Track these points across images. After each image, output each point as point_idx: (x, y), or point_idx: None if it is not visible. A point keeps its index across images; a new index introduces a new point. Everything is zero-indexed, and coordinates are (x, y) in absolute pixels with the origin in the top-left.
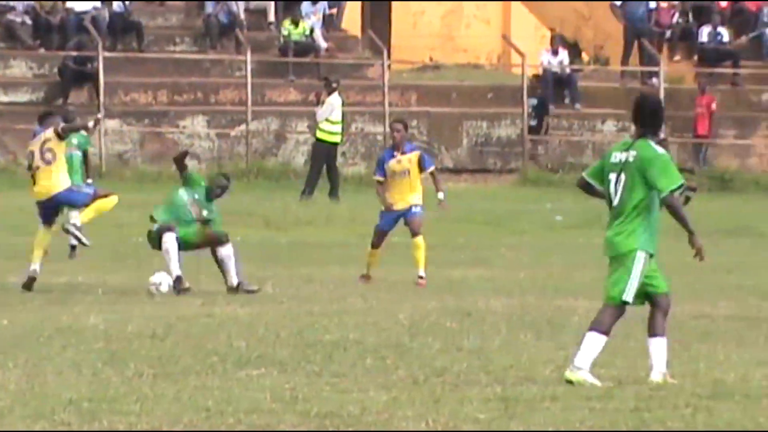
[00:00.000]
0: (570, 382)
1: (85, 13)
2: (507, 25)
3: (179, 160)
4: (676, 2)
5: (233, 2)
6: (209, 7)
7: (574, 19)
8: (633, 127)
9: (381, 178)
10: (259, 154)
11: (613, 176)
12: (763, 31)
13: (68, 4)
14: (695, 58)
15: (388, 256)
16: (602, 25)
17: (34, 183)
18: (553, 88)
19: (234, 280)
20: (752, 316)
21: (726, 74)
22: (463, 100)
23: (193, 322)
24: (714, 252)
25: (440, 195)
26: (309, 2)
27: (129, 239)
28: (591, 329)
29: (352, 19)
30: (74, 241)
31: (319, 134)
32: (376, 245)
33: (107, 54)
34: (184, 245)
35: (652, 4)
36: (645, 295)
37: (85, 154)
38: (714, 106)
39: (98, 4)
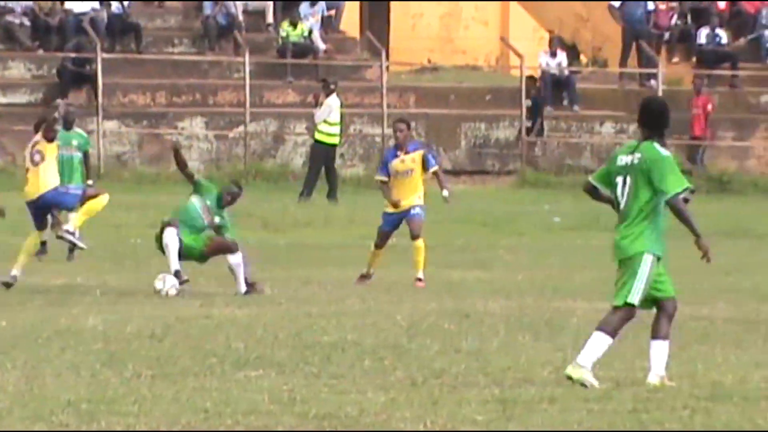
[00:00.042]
0: (570, 378)
1: (83, 14)
2: (505, 27)
3: (176, 157)
4: (675, 4)
5: (232, 4)
6: (208, 9)
7: (573, 20)
8: (630, 129)
9: (384, 179)
10: (258, 155)
11: (619, 179)
12: (761, 32)
13: (67, 6)
14: (694, 59)
15: (386, 257)
16: (601, 26)
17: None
18: (551, 90)
19: (242, 289)
20: (751, 318)
21: (724, 76)
22: (462, 101)
23: (192, 324)
24: (712, 254)
25: (445, 193)
26: (307, 4)
27: (127, 240)
28: (598, 329)
29: (350, 20)
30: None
31: (318, 136)
32: (379, 246)
33: (106, 55)
34: (193, 255)
35: (651, 6)
36: (653, 300)
37: (85, 156)
38: (710, 107)
39: (97, 5)
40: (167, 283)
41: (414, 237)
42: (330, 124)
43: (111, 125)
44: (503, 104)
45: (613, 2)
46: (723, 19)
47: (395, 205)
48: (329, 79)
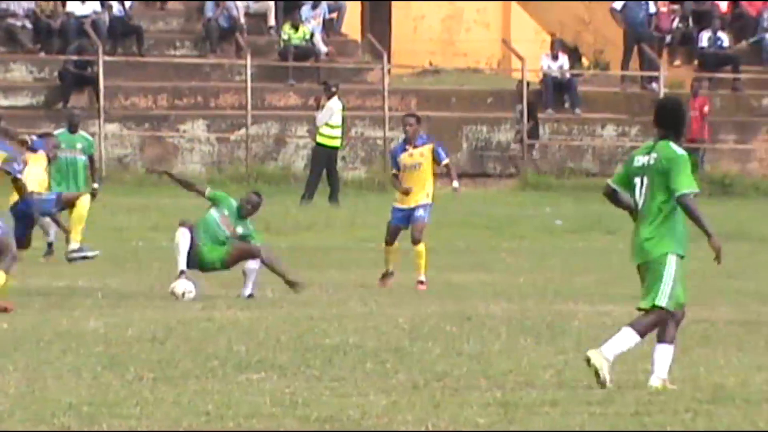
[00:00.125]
0: (588, 361)
1: (85, 17)
2: (507, 30)
3: (175, 181)
4: (676, 7)
5: (233, 6)
6: (209, 11)
7: (574, 23)
8: (632, 131)
9: (396, 171)
10: (259, 158)
11: (637, 180)
12: (763, 35)
13: (68, 8)
14: (695, 62)
15: None
16: (602, 29)
17: None
18: (552, 93)
19: (247, 292)
20: (752, 320)
21: (726, 79)
22: (463, 104)
23: (193, 326)
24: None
25: (455, 184)
26: (309, 6)
27: (129, 243)
28: (628, 325)
29: (352, 23)
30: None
31: (319, 138)
32: (389, 242)
33: (107, 58)
34: (216, 266)
35: (652, 9)
36: None
37: (91, 159)
38: (707, 109)
39: (98, 7)
40: (179, 288)
41: (415, 242)
42: (331, 126)
43: (112, 128)
44: (505, 107)
45: (614, 5)
46: (725, 22)
47: (406, 192)
48: (330, 82)
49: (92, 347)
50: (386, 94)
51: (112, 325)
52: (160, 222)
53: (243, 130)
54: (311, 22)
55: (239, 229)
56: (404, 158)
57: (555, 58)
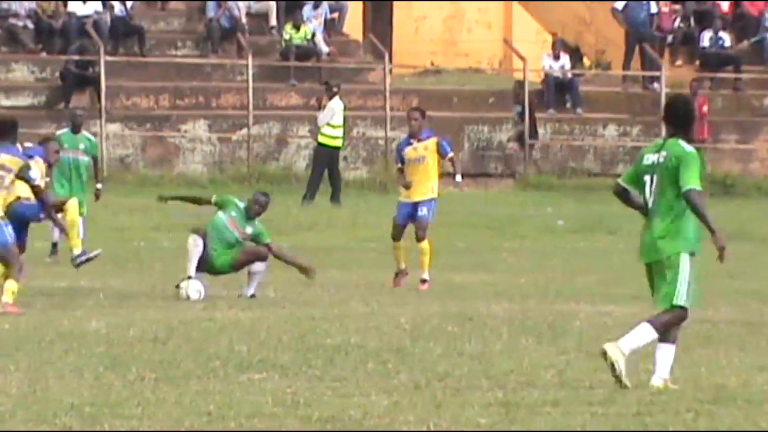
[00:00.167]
0: (604, 354)
1: (86, 17)
2: (508, 30)
3: (181, 200)
4: (678, 6)
5: (235, 6)
6: (211, 11)
7: (576, 23)
8: (634, 131)
9: (400, 165)
10: (261, 158)
11: (647, 178)
12: (764, 35)
13: (70, 8)
14: (697, 62)
15: (388, 260)
16: (604, 29)
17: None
18: (554, 93)
19: (249, 292)
20: (754, 320)
21: (727, 79)
22: (465, 104)
23: (195, 326)
24: (714, 257)
25: (458, 177)
26: (310, 6)
27: (130, 243)
28: (647, 320)
29: (353, 23)
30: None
31: (321, 138)
32: (395, 238)
33: (109, 58)
34: (224, 270)
35: (654, 9)
36: None
37: (94, 160)
38: (706, 109)
39: (100, 7)
40: (190, 289)
41: (419, 239)
42: (333, 126)
43: (114, 128)
44: (506, 107)
45: (616, 5)
46: (726, 22)
47: (407, 186)
48: (332, 82)
49: (94, 347)
50: (388, 94)
51: (114, 325)
52: (162, 222)
53: (244, 130)
54: (313, 22)
55: (248, 230)
56: (409, 152)
57: (556, 58)
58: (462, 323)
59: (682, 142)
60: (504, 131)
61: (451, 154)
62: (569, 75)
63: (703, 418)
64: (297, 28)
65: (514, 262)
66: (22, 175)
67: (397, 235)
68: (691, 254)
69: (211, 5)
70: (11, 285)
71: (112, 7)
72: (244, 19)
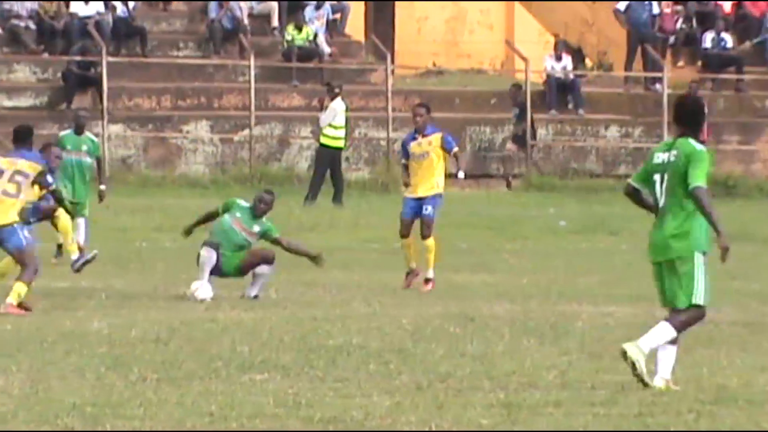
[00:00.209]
0: (624, 354)
1: (88, 17)
2: (510, 31)
3: (195, 227)
4: (680, 8)
5: (237, 7)
6: (213, 12)
7: (578, 24)
8: (636, 132)
9: (405, 160)
10: (263, 159)
11: (657, 177)
12: (766, 36)
13: (72, 9)
14: (699, 63)
15: (390, 260)
16: (606, 30)
17: None
18: (556, 94)
19: (253, 293)
20: (756, 321)
21: (730, 80)
22: (467, 105)
23: (197, 327)
24: (717, 257)
25: (460, 174)
26: (312, 7)
27: (132, 244)
28: (665, 319)
29: (355, 24)
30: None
31: (323, 139)
32: (403, 235)
33: (111, 59)
34: (231, 273)
35: (656, 10)
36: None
37: (98, 161)
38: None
39: (102, 8)
40: (200, 291)
41: (424, 237)
42: (335, 127)
43: (116, 129)
44: (508, 108)
45: (618, 6)
46: (728, 23)
47: (405, 185)
48: (333, 83)
49: (96, 348)
50: (390, 95)
51: (116, 325)
52: (164, 223)
53: (246, 131)
54: (315, 22)
55: (256, 228)
56: (413, 147)
57: (558, 59)
58: (464, 324)
59: (693, 141)
60: (506, 132)
61: (455, 150)
62: (571, 76)
63: (704, 419)
64: (299, 28)
65: (515, 263)
66: (39, 180)
67: (404, 230)
68: (703, 253)
69: (213, 6)
70: (20, 287)
71: (114, 8)
72: (246, 20)
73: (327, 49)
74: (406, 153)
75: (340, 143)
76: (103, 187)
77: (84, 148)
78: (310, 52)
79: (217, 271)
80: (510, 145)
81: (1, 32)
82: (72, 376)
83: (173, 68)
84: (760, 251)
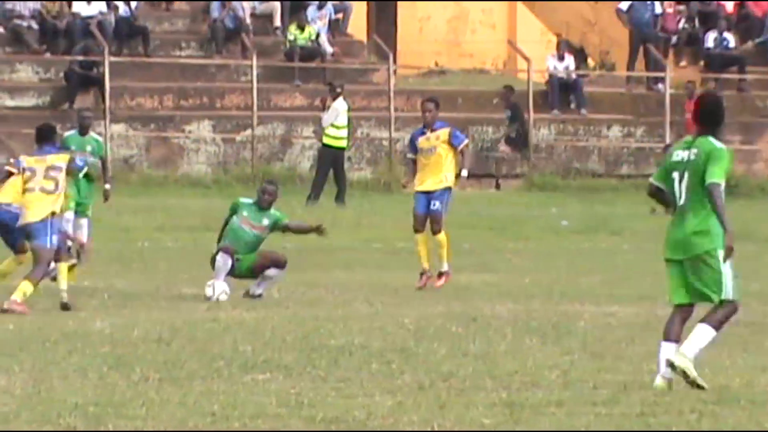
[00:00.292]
0: (672, 365)
1: (91, 17)
2: (513, 31)
3: (222, 236)
4: (682, 7)
5: (239, 7)
6: (215, 12)
7: (580, 24)
8: (638, 132)
9: (412, 156)
10: (265, 159)
11: (676, 174)
12: None
13: (74, 9)
14: (701, 63)
15: (392, 260)
16: (608, 30)
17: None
18: (558, 94)
19: (258, 291)
20: (757, 321)
21: (732, 80)
22: (469, 105)
23: (199, 327)
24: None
25: (464, 172)
26: (315, 7)
27: (135, 243)
28: (701, 321)
29: (358, 24)
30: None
31: (326, 139)
32: (417, 230)
33: (113, 59)
34: (245, 272)
35: (658, 10)
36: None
37: (102, 161)
38: None
39: (104, 8)
40: (217, 290)
41: (435, 232)
42: (337, 127)
43: (118, 128)
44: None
45: (620, 6)
46: (731, 23)
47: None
48: (335, 83)
49: (98, 348)
50: (392, 94)
51: (118, 325)
52: (166, 222)
53: (249, 131)
54: (317, 22)
55: (265, 221)
56: (422, 142)
57: (561, 58)
58: (466, 324)
59: (713, 140)
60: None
61: (462, 146)
62: (573, 76)
63: (706, 419)
64: (301, 28)
65: (518, 263)
66: (69, 166)
67: (418, 225)
68: None
69: (215, 6)
70: (26, 286)
71: (117, 8)
72: (248, 20)
73: (329, 49)
74: (414, 148)
75: (343, 143)
76: (107, 186)
77: (88, 148)
78: (312, 52)
79: (230, 272)
80: (503, 147)
81: (4, 32)
82: (74, 376)
83: (176, 68)
84: (762, 251)
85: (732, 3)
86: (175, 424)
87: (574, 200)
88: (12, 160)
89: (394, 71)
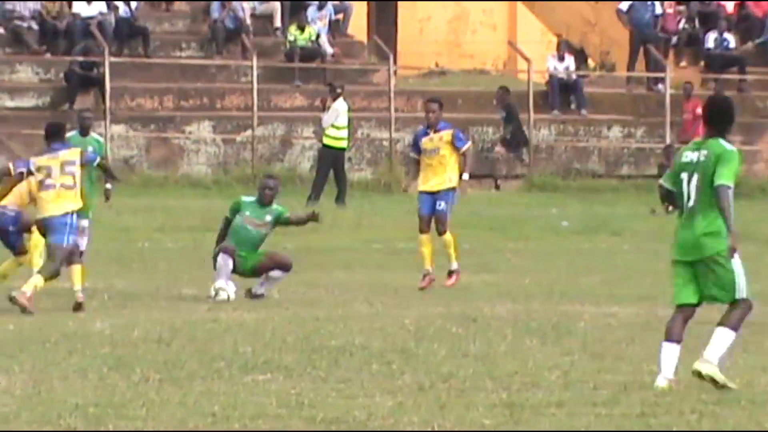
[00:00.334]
0: (699, 373)
1: (91, 18)
2: (513, 31)
3: (221, 237)
4: (683, 8)
5: (239, 7)
6: (215, 13)
7: (581, 24)
8: (638, 133)
9: (415, 156)
10: (265, 159)
11: (685, 176)
12: None
13: (74, 9)
14: (701, 64)
15: (392, 261)
16: (608, 30)
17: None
18: (558, 94)
19: (259, 291)
20: (757, 321)
21: (732, 80)
22: (469, 105)
23: (199, 327)
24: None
25: (465, 176)
26: (315, 7)
27: (135, 244)
28: (719, 324)
29: (358, 24)
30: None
31: (326, 140)
32: (422, 230)
33: (113, 59)
34: (248, 271)
35: (659, 10)
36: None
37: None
38: (699, 110)
39: (104, 9)
40: (230, 291)
41: (440, 233)
42: (337, 128)
43: (118, 129)
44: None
45: (620, 6)
46: (731, 23)
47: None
48: (335, 83)
49: (98, 348)
50: (392, 95)
51: (118, 326)
52: (166, 223)
53: (249, 132)
54: (317, 23)
55: (267, 218)
56: (425, 143)
57: (561, 59)
58: (466, 324)
59: (723, 141)
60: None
61: (464, 149)
62: (574, 76)
63: (707, 419)
64: (301, 29)
65: (518, 263)
66: (84, 161)
67: (423, 226)
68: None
69: (215, 6)
70: (37, 279)
71: (117, 8)
72: (248, 21)
73: (329, 50)
74: (417, 148)
75: (343, 144)
76: (109, 186)
77: (89, 149)
78: (312, 53)
79: (232, 270)
80: (498, 148)
81: (4, 33)
82: (74, 377)
83: (176, 68)
84: (762, 251)
85: (732, 3)
86: (176, 424)
87: (575, 201)
88: (11, 163)
89: (395, 72)
